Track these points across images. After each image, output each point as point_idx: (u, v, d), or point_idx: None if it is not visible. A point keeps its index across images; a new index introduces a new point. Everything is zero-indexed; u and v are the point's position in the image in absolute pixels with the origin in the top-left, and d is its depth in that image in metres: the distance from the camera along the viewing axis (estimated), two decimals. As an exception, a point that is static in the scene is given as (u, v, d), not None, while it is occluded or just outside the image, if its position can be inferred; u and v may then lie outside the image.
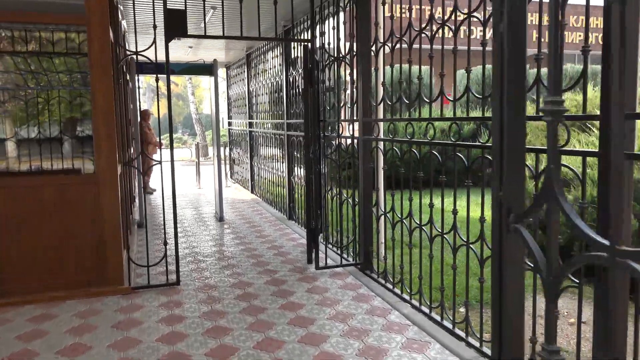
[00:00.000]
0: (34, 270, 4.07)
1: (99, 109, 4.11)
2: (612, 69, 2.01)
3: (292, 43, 6.95)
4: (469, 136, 9.70)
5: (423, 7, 3.74)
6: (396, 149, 4.21)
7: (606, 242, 1.23)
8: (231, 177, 12.18)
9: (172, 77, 47.83)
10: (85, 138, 4.37)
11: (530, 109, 9.17)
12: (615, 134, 2.01)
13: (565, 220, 1.38)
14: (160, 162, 4.47)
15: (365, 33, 4.63)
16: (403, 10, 7.98)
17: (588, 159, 2.50)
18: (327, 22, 5.17)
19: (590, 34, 2.67)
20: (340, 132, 4.98)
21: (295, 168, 7.35)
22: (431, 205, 3.74)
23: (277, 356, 3.13)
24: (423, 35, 3.69)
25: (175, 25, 4.22)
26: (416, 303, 3.94)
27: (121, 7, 6.31)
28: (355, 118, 4.80)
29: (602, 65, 2.09)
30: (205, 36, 4.36)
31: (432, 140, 3.66)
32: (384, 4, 4.36)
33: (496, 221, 2.53)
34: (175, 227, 4.44)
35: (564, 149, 2.46)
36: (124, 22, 7.15)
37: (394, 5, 4.11)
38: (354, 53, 4.74)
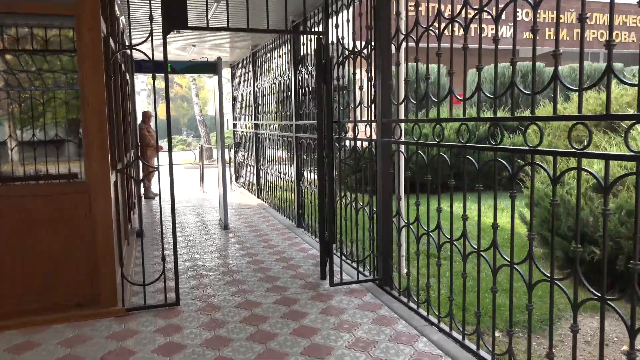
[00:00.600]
0: (16, 292, 3.64)
1: (89, 109, 3.68)
2: None
3: (302, 39, 6.50)
4: (484, 138, 9.21)
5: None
6: (421, 153, 3.76)
7: None
8: (236, 181, 11.75)
9: (177, 79, 47.62)
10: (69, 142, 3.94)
11: (548, 108, 8.45)
12: None
13: None
14: (157, 169, 4.01)
15: (384, 25, 4.18)
16: None
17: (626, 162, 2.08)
18: (340, 14, 4.72)
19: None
20: (356, 134, 4.52)
21: (305, 172, 6.90)
22: (465, 218, 3.28)
23: (290, 397, 2.68)
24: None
25: (174, 16, 3.78)
26: (446, 327, 3.48)
27: (118, 1, 5.89)
28: (373, 119, 4.35)
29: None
30: (207, 28, 3.92)
31: (466, 144, 3.20)
32: (406, -9, 3.91)
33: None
34: (175, 242, 3.99)
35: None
36: (123, 18, 6.73)
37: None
38: (372, 47, 4.28)
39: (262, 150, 9.26)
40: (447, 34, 3.35)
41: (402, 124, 4.22)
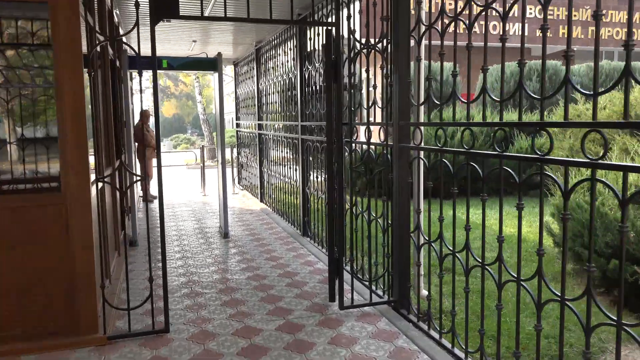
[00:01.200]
0: (-18, 317, 3.18)
1: (65, 109, 3.21)
2: None
3: (309, 33, 6.02)
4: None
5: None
6: (446, 162, 3.27)
7: None
8: (239, 183, 11.28)
9: (182, 77, 47.06)
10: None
11: (556, 114, 7.76)
12: None
13: None
14: (144, 177, 3.53)
15: (403, 15, 3.69)
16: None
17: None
18: (352, 5, 4.23)
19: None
20: (369, 137, 4.04)
21: (311, 177, 6.43)
22: (501, 240, 2.80)
23: None
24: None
25: (164, 3, 3.31)
26: (476, 365, 3.00)
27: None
28: (389, 121, 3.86)
29: None
30: (202, 18, 3.44)
31: (503, 153, 2.72)
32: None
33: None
34: (164, 261, 3.52)
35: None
36: (118, 12, 6.28)
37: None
38: (388, 40, 3.80)
39: (265, 151, 8.79)
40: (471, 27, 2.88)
41: (422, 128, 3.73)
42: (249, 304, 4.07)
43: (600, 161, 2.11)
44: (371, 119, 4.13)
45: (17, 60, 3.45)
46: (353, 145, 4.27)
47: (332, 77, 3.79)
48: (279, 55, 7.52)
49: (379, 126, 4.00)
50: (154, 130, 3.68)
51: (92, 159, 3.53)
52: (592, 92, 2.11)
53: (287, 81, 7.07)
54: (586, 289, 2.20)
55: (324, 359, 3.13)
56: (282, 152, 7.55)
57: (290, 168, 7.07)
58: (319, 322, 3.72)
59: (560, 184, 2.31)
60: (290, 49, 6.83)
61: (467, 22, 2.91)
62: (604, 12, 19.11)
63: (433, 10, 3.27)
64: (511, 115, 10.41)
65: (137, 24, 3.25)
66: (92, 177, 3.37)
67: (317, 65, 5.84)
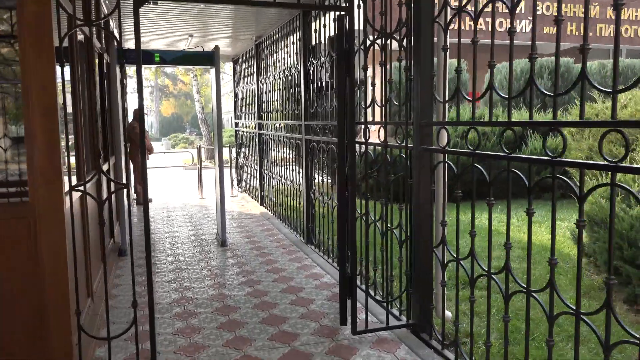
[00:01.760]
0: None
1: (33, 106, 2.73)
2: None
3: (314, 25, 5.54)
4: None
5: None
6: (480, 167, 2.80)
7: None
8: (238, 185, 10.80)
9: (180, 75, 46.63)
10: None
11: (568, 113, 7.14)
12: None
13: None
14: (126, 186, 3.07)
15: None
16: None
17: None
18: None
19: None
20: (385, 138, 3.57)
21: (316, 180, 5.96)
22: (554, 262, 2.33)
23: None
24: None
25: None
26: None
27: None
28: (410, 120, 3.39)
29: None
30: None
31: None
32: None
33: None
34: (150, 283, 3.05)
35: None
36: (106, 1, 5.80)
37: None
38: (408, 28, 3.32)
39: (266, 152, 8.31)
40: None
41: (441, 130, 3.26)
42: (249, 327, 3.60)
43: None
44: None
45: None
46: (360, 147, 3.80)
47: (344, 70, 3.32)
48: (281, 50, 7.04)
49: (396, 125, 3.53)
50: (143, 129, 3.20)
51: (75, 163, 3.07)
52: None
53: (290, 78, 6.60)
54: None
55: (338, 400, 2.67)
56: (283, 153, 7.08)
57: (292, 170, 6.59)
58: (329, 349, 3.25)
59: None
60: (293, 43, 6.36)
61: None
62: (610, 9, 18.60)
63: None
64: (523, 115, 9.95)
65: (117, 5, 2.77)
66: (75, 183, 2.89)
67: (323, 59, 5.37)
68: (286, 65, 6.74)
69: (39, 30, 2.69)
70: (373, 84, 3.57)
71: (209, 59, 5.68)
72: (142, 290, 4.32)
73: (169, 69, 46.99)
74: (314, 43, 5.73)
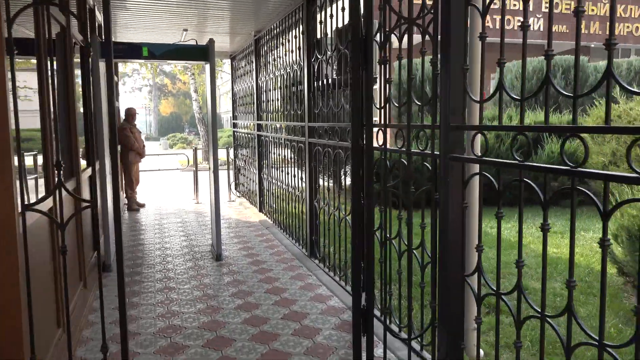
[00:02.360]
0: None
1: (-25, 107, 2.19)
2: None
3: (319, 16, 5.00)
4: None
5: None
6: (530, 182, 2.26)
7: None
8: (236, 189, 10.26)
9: (179, 74, 46.14)
10: None
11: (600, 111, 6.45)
12: None
13: None
14: (92, 205, 2.53)
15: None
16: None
17: None
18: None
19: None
20: (408, 144, 3.02)
21: (321, 188, 5.42)
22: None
23: None
24: None
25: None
26: None
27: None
28: (436, 123, 2.85)
29: None
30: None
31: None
32: None
33: None
34: (123, 318, 2.50)
35: None
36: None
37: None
38: (433, 13, 2.78)
39: (265, 155, 7.77)
40: None
41: (475, 136, 2.71)
42: (245, 367, 3.06)
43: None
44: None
45: None
46: (384, 152, 3.25)
47: (359, 62, 2.77)
48: (282, 45, 6.50)
49: (421, 129, 2.99)
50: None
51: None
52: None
53: (292, 75, 6.06)
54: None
55: None
56: (284, 156, 6.54)
57: (294, 176, 6.05)
58: (340, 399, 2.71)
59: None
60: (296, 37, 5.82)
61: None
62: (622, 6, 18.06)
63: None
64: (538, 116, 9.41)
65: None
66: (34, 200, 2.35)
67: (329, 53, 4.83)
68: (288, 62, 6.20)
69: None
70: (389, 80, 3.03)
71: (202, 53, 5.13)
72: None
73: (167, 67, 46.49)
74: (319, 36, 5.19)
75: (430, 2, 2.75)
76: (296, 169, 6.02)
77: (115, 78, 9.26)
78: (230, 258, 5.50)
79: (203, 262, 5.34)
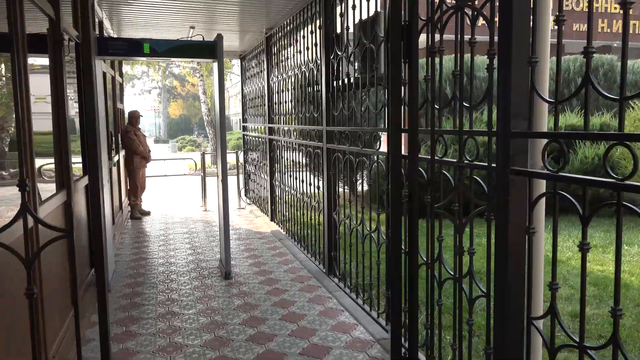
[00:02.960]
0: None
1: None
2: None
3: (339, 8, 4.48)
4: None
5: None
6: (631, 206, 1.73)
7: None
8: (246, 195, 9.77)
9: (188, 77, 45.99)
10: None
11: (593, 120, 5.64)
12: None
13: None
14: (67, 234, 2.03)
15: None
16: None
17: None
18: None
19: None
20: (461, 152, 2.50)
21: (341, 198, 4.90)
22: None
23: None
24: None
25: None
26: None
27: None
28: (493, 129, 2.32)
29: None
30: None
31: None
32: None
33: None
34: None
35: None
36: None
37: None
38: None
39: (278, 161, 7.26)
40: None
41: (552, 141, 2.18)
42: (260, 422, 2.54)
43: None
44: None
45: None
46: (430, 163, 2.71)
47: (401, 54, 2.25)
48: (297, 42, 6.00)
49: (478, 135, 2.46)
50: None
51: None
52: None
53: (308, 74, 5.55)
54: None
55: None
56: (299, 163, 6.03)
57: (310, 184, 5.54)
58: None
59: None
60: (312, 32, 5.31)
61: None
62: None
63: None
64: (567, 119, 8.83)
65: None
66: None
67: (350, 49, 4.31)
68: (303, 60, 5.69)
69: None
70: (429, 78, 2.50)
71: (210, 49, 4.63)
72: (119, 349, 3.29)
73: (176, 69, 46.29)
74: (338, 31, 4.68)
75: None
76: (311, 175, 5.50)
77: (120, 79, 8.81)
78: (240, 276, 4.99)
79: (211, 281, 4.83)
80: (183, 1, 5.78)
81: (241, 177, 9.67)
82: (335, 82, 4.80)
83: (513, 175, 2.28)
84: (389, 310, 3.57)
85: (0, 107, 3.24)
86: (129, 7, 6.15)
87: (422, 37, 2.63)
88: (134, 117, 7.90)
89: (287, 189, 6.67)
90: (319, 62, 5.11)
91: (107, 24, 6.92)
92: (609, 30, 16.65)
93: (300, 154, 5.95)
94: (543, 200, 2.29)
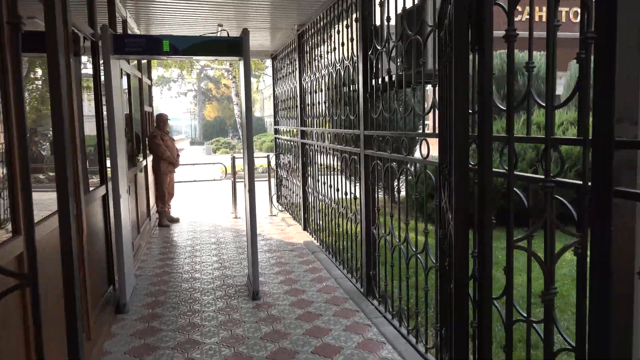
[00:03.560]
0: None
1: None
2: None
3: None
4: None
5: None
6: None
7: None
8: (277, 201, 9.34)
9: (223, 79, 46.17)
10: None
11: None
12: None
13: None
14: (28, 283, 1.59)
15: None
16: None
17: None
18: None
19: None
20: (535, 164, 1.94)
21: (381, 213, 4.37)
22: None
23: None
24: None
25: None
26: None
27: None
28: (590, 135, 1.76)
29: None
30: None
31: None
32: None
33: None
34: None
35: None
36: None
37: None
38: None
39: (311, 166, 6.79)
40: None
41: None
42: None
43: None
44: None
45: None
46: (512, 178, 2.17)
47: (468, 43, 1.72)
48: (330, 37, 5.51)
49: (554, 144, 1.91)
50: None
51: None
52: None
53: (343, 72, 5.05)
54: None
55: None
56: (334, 169, 5.54)
57: (346, 194, 5.03)
58: None
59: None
60: (348, 26, 4.80)
61: None
62: None
63: None
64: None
65: None
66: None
67: (392, 43, 3.79)
68: (338, 57, 5.19)
69: None
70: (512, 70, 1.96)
71: (235, 46, 4.19)
72: (126, 394, 2.87)
73: (211, 71, 46.61)
74: (377, 23, 4.16)
75: None
76: (347, 182, 5.00)
77: (149, 81, 8.53)
78: (269, 295, 4.53)
79: (237, 302, 4.39)
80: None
81: (273, 181, 9.26)
82: (374, 80, 4.29)
83: (617, 197, 1.71)
84: (440, 345, 3.05)
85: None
86: (153, 4, 5.80)
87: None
88: (162, 120, 7.58)
89: (320, 197, 6.19)
90: (355, 58, 4.61)
91: (132, 23, 6.60)
92: None
93: (335, 159, 5.46)
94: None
